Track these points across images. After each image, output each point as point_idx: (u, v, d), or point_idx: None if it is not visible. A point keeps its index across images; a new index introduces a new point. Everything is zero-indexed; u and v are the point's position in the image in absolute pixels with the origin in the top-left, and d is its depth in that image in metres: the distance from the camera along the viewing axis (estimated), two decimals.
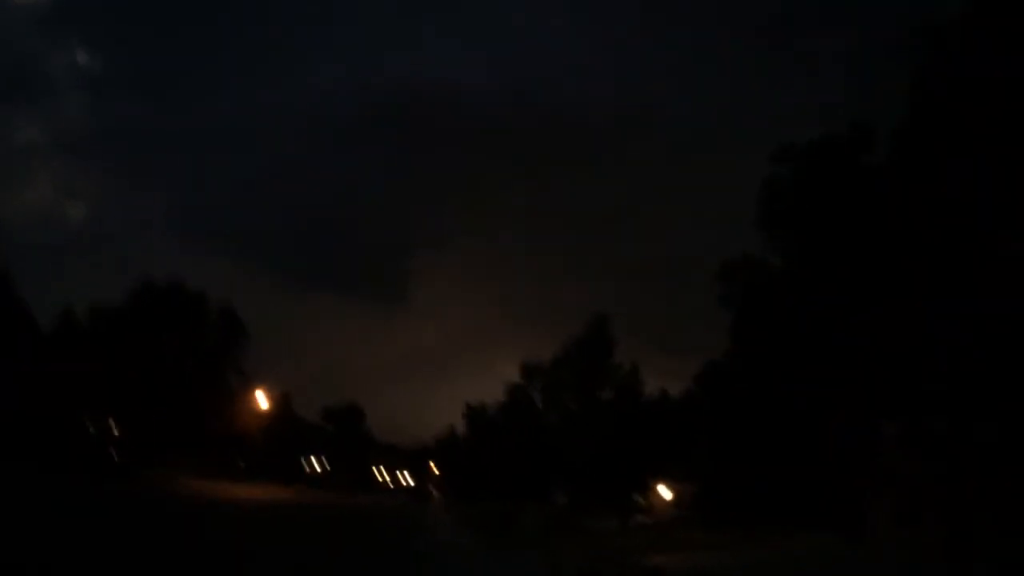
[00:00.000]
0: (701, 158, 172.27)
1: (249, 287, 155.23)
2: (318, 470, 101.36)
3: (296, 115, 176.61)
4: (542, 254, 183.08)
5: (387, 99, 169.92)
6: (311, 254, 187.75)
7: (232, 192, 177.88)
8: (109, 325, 61.78)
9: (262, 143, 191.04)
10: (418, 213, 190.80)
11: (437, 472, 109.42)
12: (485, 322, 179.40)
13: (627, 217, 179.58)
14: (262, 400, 71.85)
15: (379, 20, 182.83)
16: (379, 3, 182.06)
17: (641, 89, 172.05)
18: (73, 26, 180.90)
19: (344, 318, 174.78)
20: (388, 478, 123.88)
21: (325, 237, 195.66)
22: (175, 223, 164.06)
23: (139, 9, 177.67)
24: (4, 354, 46.40)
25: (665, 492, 49.01)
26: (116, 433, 57.79)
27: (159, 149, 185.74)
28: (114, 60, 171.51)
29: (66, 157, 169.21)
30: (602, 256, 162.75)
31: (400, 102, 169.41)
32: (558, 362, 60.01)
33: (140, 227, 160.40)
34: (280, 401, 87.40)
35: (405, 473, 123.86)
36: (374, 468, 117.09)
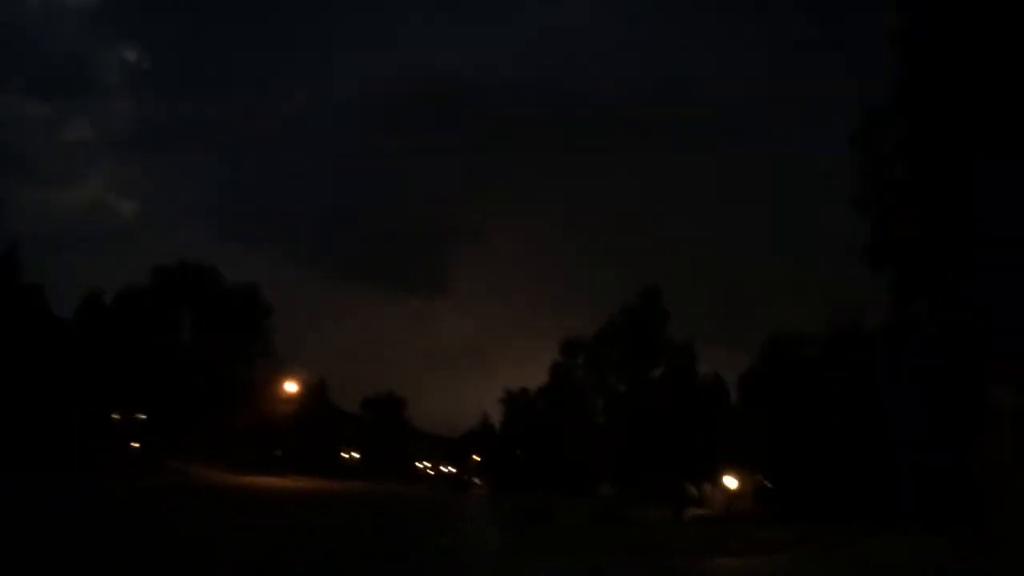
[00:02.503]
0: (741, 138, 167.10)
1: (291, 278, 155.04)
2: (356, 460, 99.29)
3: (335, 109, 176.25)
4: (580, 241, 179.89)
5: (423, 92, 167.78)
6: (351, 245, 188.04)
7: (276, 185, 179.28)
8: (134, 307, 59.56)
9: (304, 137, 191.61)
10: (457, 205, 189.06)
11: (478, 462, 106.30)
12: (526, 312, 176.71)
13: (664, 201, 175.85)
14: (294, 388, 68.95)
15: (411, 15, 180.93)
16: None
17: (673, 73, 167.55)
18: (122, 25, 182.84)
19: (384, 308, 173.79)
20: (428, 468, 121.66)
21: (365, 229, 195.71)
22: (221, 215, 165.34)
23: (185, 7, 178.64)
24: (16, 347, 44.00)
25: (723, 483, 44.47)
26: (139, 423, 55.56)
27: (205, 144, 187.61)
28: (162, 58, 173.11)
29: (116, 152, 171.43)
30: (639, 242, 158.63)
31: (437, 94, 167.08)
32: (603, 336, 53.67)
33: (185, 219, 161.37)
34: (316, 389, 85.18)
35: (445, 463, 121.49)
36: (413, 458, 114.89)
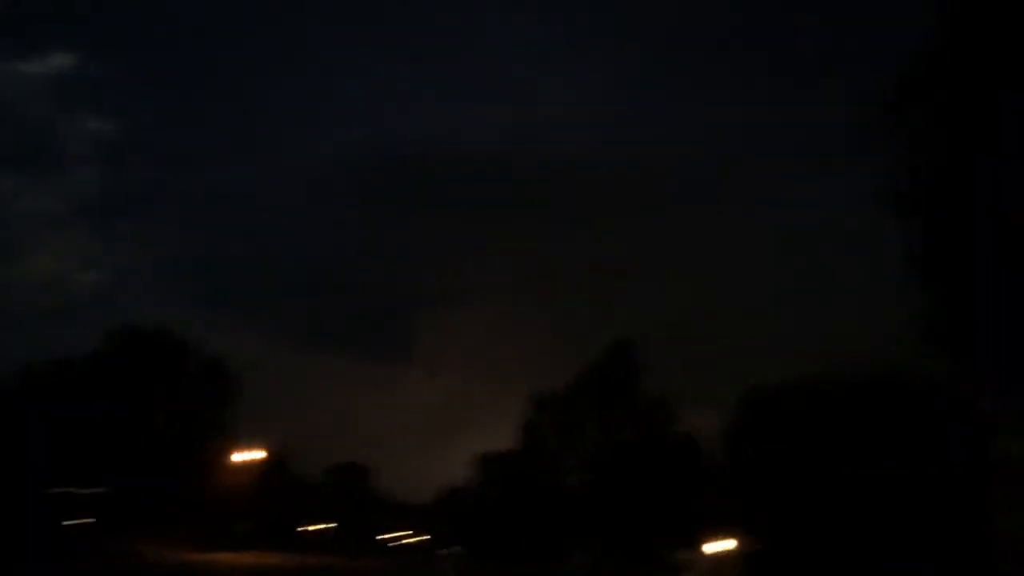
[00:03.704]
0: (709, 207, 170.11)
1: (254, 347, 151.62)
2: (320, 533, 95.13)
3: (299, 180, 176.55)
4: (552, 305, 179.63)
5: (388, 160, 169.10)
6: (315, 314, 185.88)
7: (240, 254, 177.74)
8: (79, 377, 56.51)
9: (268, 207, 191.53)
10: (421, 271, 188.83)
11: (449, 530, 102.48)
12: (495, 374, 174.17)
13: (638, 269, 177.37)
14: (253, 458, 65.75)
15: (381, 83, 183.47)
16: (380, 66, 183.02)
17: (643, 137, 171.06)
18: (85, 95, 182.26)
19: (349, 376, 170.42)
20: (397, 539, 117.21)
21: (327, 297, 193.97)
22: (181, 284, 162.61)
23: (154, 79, 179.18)
24: None
25: (708, 547, 42.08)
26: (82, 500, 51.99)
27: (170, 214, 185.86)
28: (125, 128, 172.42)
29: (77, 223, 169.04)
30: (612, 307, 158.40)
31: (401, 162, 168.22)
32: (574, 391, 51.72)
33: (148, 289, 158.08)
34: (276, 462, 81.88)
35: (415, 533, 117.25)
36: (382, 528, 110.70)
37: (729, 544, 39.28)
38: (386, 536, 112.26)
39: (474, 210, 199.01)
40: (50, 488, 50.01)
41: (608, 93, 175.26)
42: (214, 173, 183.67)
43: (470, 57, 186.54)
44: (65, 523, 48.43)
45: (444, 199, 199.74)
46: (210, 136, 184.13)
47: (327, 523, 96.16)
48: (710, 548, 41.76)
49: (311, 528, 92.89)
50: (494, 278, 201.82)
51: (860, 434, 29.18)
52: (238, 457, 63.27)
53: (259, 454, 61.95)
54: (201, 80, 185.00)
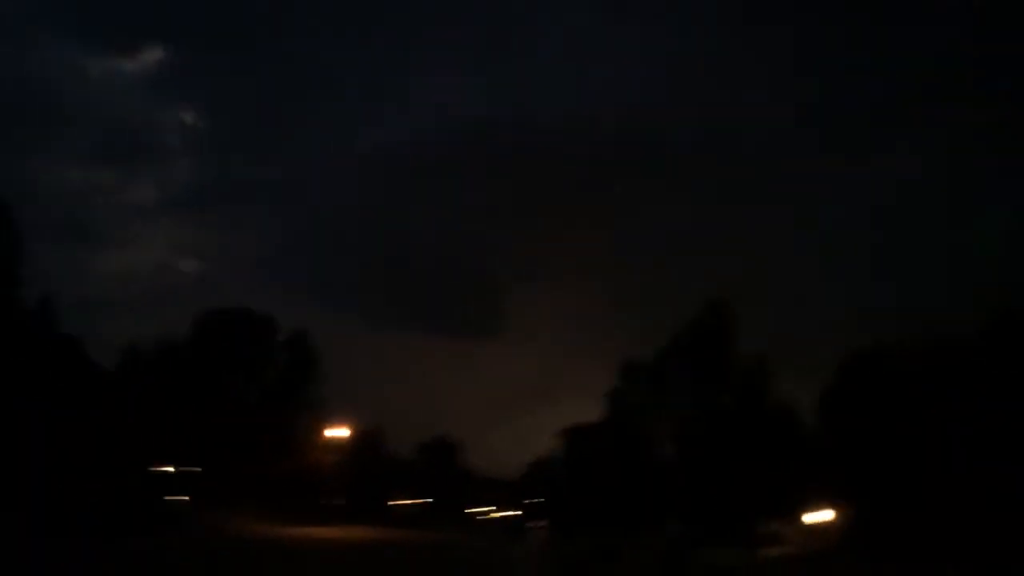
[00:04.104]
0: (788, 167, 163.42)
1: (346, 328, 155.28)
2: (410, 508, 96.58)
3: (385, 160, 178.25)
4: (632, 277, 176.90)
5: (468, 136, 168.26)
6: (401, 293, 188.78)
7: (329, 236, 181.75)
8: (175, 357, 58.60)
9: (355, 188, 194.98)
10: (506, 246, 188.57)
11: (537, 504, 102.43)
12: (581, 348, 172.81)
13: (716, 234, 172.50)
14: (342, 435, 66.94)
15: (456, 58, 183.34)
16: (454, 41, 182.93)
17: (723, 98, 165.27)
18: (178, 88, 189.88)
19: (438, 354, 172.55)
20: (486, 513, 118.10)
21: (417, 276, 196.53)
22: (277, 269, 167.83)
23: (238, 69, 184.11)
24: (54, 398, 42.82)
25: (806, 518, 40.09)
26: (179, 476, 53.87)
27: (261, 201, 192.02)
28: (216, 118, 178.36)
29: (173, 213, 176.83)
30: (690, 276, 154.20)
31: (482, 137, 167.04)
32: (665, 356, 48.99)
33: (244, 275, 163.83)
34: (369, 436, 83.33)
35: (504, 508, 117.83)
36: (471, 503, 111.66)
37: (827, 515, 37.21)
38: (475, 511, 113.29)
39: (557, 182, 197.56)
40: (152, 466, 51.93)
41: (686, 58, 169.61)
42: (300, 158, 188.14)
43: (546, 24, 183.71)
44: (166, 499, 50.14)
45: (526, 173, 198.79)
46: (295, 122, 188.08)
47: (417, 498, 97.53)
48: (808, 519, 39.81)
49: (401, 503, 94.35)
50: (579, 250, 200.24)
51: (970, 398, 26.88)
52: (329, 434, 64.52)
53: (346, 431, 62.91)
54: (282, 67, 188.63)
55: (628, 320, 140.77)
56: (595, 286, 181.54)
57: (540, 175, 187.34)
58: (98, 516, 32.65)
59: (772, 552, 40.12)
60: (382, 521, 76.25)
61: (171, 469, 54.12)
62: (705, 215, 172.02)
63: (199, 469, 55.07)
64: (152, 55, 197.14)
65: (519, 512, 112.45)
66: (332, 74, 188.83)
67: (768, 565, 32.66)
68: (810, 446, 38.18)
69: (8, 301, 41.02)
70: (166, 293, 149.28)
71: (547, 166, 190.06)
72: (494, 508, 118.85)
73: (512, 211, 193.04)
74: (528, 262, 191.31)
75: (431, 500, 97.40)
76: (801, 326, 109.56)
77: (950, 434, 27.48)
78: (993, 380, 25.09)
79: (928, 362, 30.50)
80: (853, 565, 26.56)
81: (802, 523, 41.77)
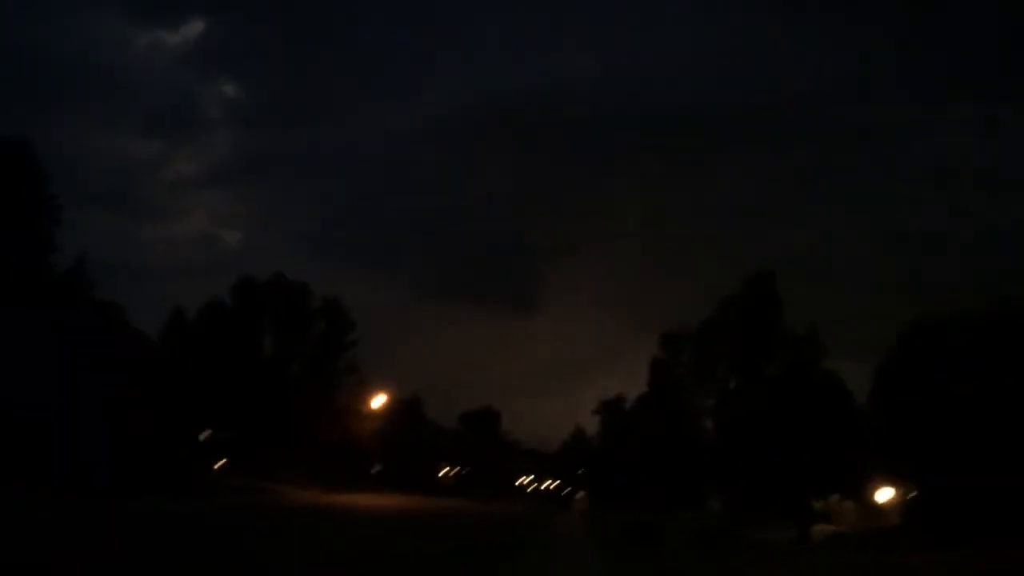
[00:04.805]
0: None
1: (388, 298, 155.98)
2: (454, 477, 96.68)
3: (426, 132, 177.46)
4: (671, 252, 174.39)
5: (509, 107, 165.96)
6: (446, 265, 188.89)
7: (371, 206, 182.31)
8: (217, 322, 58.83)
9: (398, 159, 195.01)
10: (549, 219, 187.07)
11: (578, 475, 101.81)
12: (623, 323, 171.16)
13: (756, 210, 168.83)
14: (382, 403, 66.73)
15: (488, 37, 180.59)
16: (494, 15, 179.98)
17: (776, 72, 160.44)
18: (219, 63, 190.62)
19: (479, 325, 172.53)
20: (527, 484, 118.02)
21: (459, 248, 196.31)
22: (318, 239, 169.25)
23: (278, 40, 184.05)
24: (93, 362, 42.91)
25: (860, 495, 38.36)
26: (221, 442, 54.11)
27: (302, 171, 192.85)
28: (256, 92, 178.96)
29: (218, 186, 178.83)
30: (731, 249, 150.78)
31: (521, 109, 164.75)
32: (710, 327, 46.56)
33: (285, 245, 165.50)
34: (410, 405, 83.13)
35: (545, 478, 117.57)
36: (512, 474, 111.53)
37: (887, 493, 35.40)
38: (516, 481, 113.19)
39: (600, 155, 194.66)
40: (199, 432, 52.11)
41: (740, 29, 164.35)
42: (343, 131, 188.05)
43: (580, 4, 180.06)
44: (214, 466, 50.41)
45: (569, 146, 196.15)
46: (337, 96, 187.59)
47: (460, 467, 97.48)
48: (864, 496, 38.03)
49: (444, 472, 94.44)
50: (622, 223, 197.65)
51: None
52: (374, 403, 64.32)
53: (385, 398, 62.72)
54: (325, 41, 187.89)
55: (673, 292, 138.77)
56: (640, 258, 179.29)
57: (586, 148, 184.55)
58: (136, 479, 32.40)
59: (824, 529, 38.55)
60: (425, 489, 76.35)
61: (214, 434, 54.44)
62: (754, 187, 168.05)
63: (240, 434, 55.25)
64: (194, 28, 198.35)
65: (558, 482, 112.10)
66: (376, 47, 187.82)
67: (825, 546, 31.14)
68: (863, 422, 36.32)
69: (42, 267, 40.98)
70: (212, 263, 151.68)
71: (593, 137, 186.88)
72: (534, 478, 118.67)
73: (557, 184, 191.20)
74: (572, 236, 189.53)
75: (473, 469, 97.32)
76: (845, 306, 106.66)
77: (1018, 407, 25.58)
78: None
79: (993, 332, 28.52)
80: (914, 546, 25.00)
81: (859, 501, 39.99)
